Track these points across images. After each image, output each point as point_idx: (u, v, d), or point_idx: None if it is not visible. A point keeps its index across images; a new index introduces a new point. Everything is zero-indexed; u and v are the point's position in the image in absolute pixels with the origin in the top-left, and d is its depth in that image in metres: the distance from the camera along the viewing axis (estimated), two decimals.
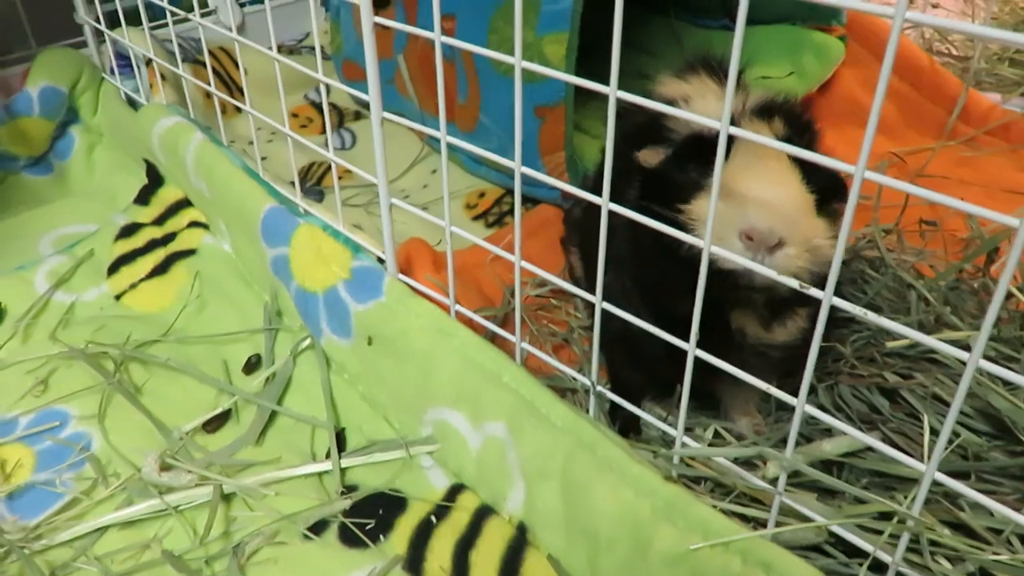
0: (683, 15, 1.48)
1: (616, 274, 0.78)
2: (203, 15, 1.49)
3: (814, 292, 0.52)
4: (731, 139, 0.67)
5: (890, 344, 0.67)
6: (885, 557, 0.55)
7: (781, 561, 0.56)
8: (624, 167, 0.75)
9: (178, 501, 0.73)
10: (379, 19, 0.73)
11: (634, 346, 0.76)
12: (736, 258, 0.55)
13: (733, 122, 0.66)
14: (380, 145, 0.77)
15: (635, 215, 0.59)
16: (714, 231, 0.62)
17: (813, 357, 0.51)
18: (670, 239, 0.57)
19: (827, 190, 0.66)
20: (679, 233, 0.57)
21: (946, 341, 0.48)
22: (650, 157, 0.70)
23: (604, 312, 0.66)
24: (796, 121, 0.68)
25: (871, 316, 0.50)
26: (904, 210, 0.89)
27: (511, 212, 1.19)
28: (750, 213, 0.60)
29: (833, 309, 0.50)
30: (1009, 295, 0.75)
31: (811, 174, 0.64)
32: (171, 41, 1.05)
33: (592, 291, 0.67)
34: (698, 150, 0.66)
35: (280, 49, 1.59)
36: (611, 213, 0.61)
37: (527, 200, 1.18)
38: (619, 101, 0.55)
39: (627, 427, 0.85)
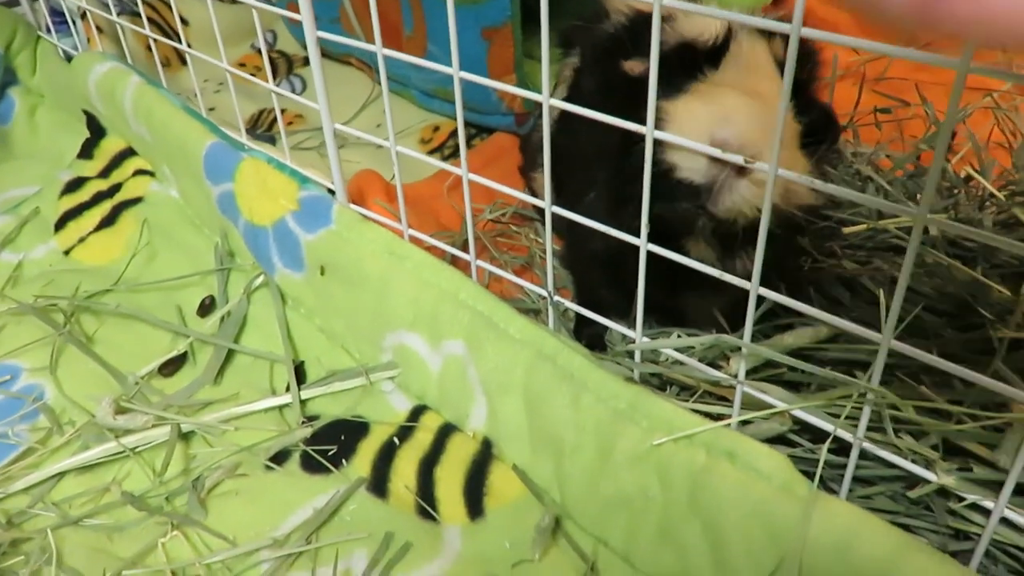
0: None
1: (587, 187, 0.74)
2: None
3: (759, 166, 0.50)
4: (725, 49, 0.64)
5: (847, 230, 0.66)
6: (846, 435, 0.55)
7: (745, 448, 0.55)
8: (602, 79, 0.73)
9: (135, 443, 0.71)
10: None
11: (614, 266, 0.74)
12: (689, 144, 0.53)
13: (730, 36, 0.62)
14: (317, 65, 0.75)
15: (592, 114, 0.55)
16: (687, 133, 0.59)
17: (762, 240, 0.49)
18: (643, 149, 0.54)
19: (816, 127, 0.63)
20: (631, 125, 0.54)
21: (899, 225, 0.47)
22: (636, 67, 0.68)
23: (581, 233, 0.63)
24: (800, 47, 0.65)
25: (818, 184, 0.48)
26: (857, 104, 0.88)
27: (468, 144, 1.16)
28: (728, 120, 0.56)
29: (792, 234, 0.46)
30: (968, 178, 0.75)
31: (803, 106, 0.61)
32: None
33: (566, 207, 0.64)
34: (686, 58, 0.63)
35: None
36: (590, 132, 0.57)
37: (482, 130, 1.16)
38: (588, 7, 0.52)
39: (592, 345, 0.84)
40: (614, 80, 0.66)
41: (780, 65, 0.62)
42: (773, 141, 0.48)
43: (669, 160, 0.59)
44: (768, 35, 0.64)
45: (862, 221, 0.66)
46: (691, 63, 0.61)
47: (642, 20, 0.70)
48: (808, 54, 0.66)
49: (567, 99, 0.90)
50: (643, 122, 0.53)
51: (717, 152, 0.52)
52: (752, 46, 0.62)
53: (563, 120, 0.79)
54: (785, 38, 0.62)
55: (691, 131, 0.58)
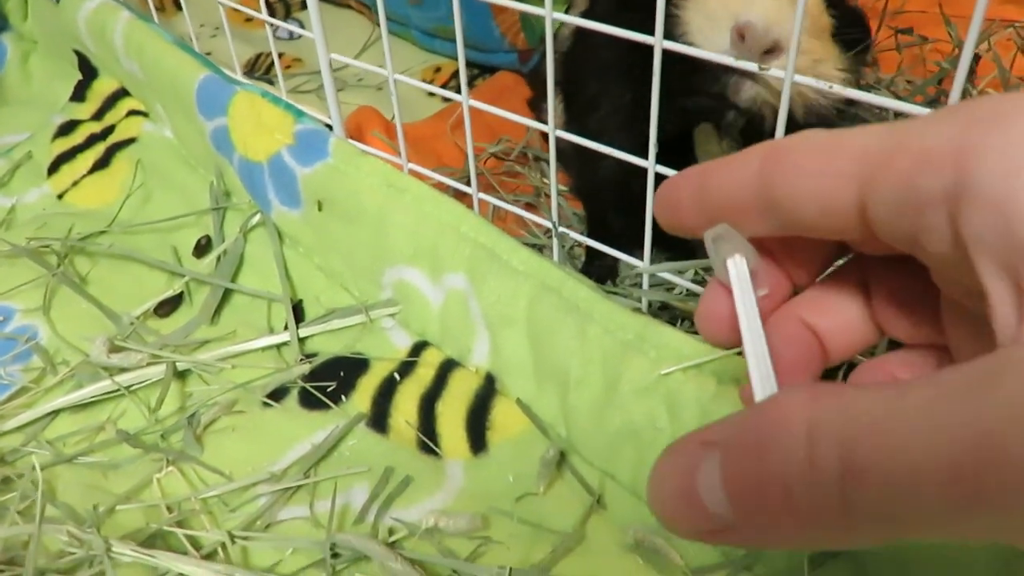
0: None
1: (610, 105, 0.71)
2: None
3: (774, 72, 0.47)
4: None
5: None
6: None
7: None
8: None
9: (130, 381, 0.69)
10: None
11: (626, 189, 0.71)
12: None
13: None
14: None
15: (602, 27, 0.52)
16: (705, 24, 0.55)
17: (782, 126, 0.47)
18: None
19: (848, 21, 0.60)
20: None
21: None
22: None
23: (590, 159, 0.60)
24: None
25: (836, 88, 0.45)
26: (880, 27, 0.84)
27: (470, 84, 1.13)
28: (750, 6, 0.53)
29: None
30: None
31: (839, 10, 0.58)
32: None
33: (576, 130, 0.61)
34: None
35: None
36: (600, 49, 0.54)
37: (484, 69, 1.12)
38: None
39: (603, 278, 0.81)
40: None
41: None
42: (802, 28, 0.45)
43: (691, 39, 0.56)
44: None
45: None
46: None
47: None
48: None
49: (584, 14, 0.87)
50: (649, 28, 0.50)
51: (740, 47, 0.49)
52: None
53: (577, 37, 0.76)
54: None
55: (710, 22, 0.55)
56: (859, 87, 0.80)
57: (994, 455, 0.20)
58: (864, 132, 0.28)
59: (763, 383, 0.33)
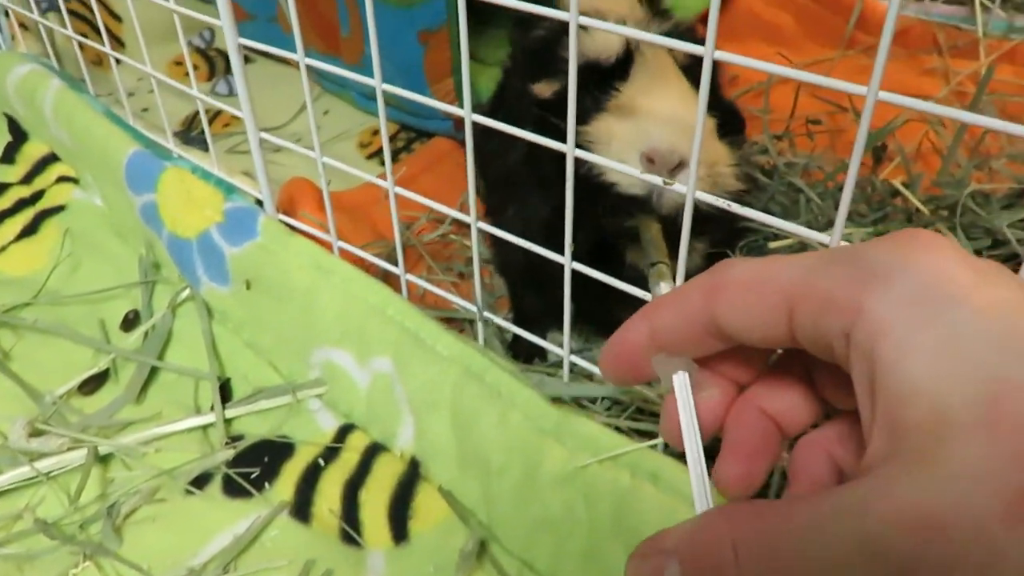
0: None
1: (519, 203, 0.75)
2: None
3: (677, 187, 0.50)
4: (630, 61, 0.65)
5: (772, 245, 0.66)
6: None
7: (668, 470, 0.55)
8: (519, 95, 0.72)
9: (50, 467, 0.68)
10: None
11: (537, 273, 0.74)
12: (627, 169, 0.52)
13: (631, 48, 0.62)
14: (240, 74, 0.73)
15: (519, 132, 0.55)
16: (615, 153, 0.59)
17: (685, 239, 0.49)
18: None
19: (727, 118, 0.64)
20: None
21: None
22: (544, 90, 0.68)
23: (506, 243, 0.63)
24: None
25: (735, 207, 0.48)
26: (792, 115, 0.88)
27: (407, 148, 1.14)
28: (652, 133, 0.58)
29: (734, 220, 0.47)
30: (895, 192, 0.75)
31: (711, 102, 0.62)
32: None
33: (493, 217, 0.64)
34: (594, 77, 0.63)
35: None
36: (508, 142, 0.57)
37: (421, 134, 1.14)
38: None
39: (532, 355, 0.83)
40: (525, 98, 0.67)
41: (683, 68, 0.63)
42: (694, 139, 0.49)
43: (607, 179, 0.60)
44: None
45: (788, 235, 0.66)
46: (600, 81, 0.62)
47: (546, 41, 0.70)
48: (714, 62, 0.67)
49: (489, 108, 0.89)
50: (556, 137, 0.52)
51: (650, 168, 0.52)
52: (655, 53, 0.63)
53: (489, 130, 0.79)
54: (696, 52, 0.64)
55: (618, 150, 0.58)
56: (764, 171, 0.83)
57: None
58: (784, 268, 0.34)
59: (698, 485, 0.39)
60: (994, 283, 0.29)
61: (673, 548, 0.33)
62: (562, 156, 0.52)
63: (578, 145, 0.52)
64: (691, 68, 0.62)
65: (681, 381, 0.40)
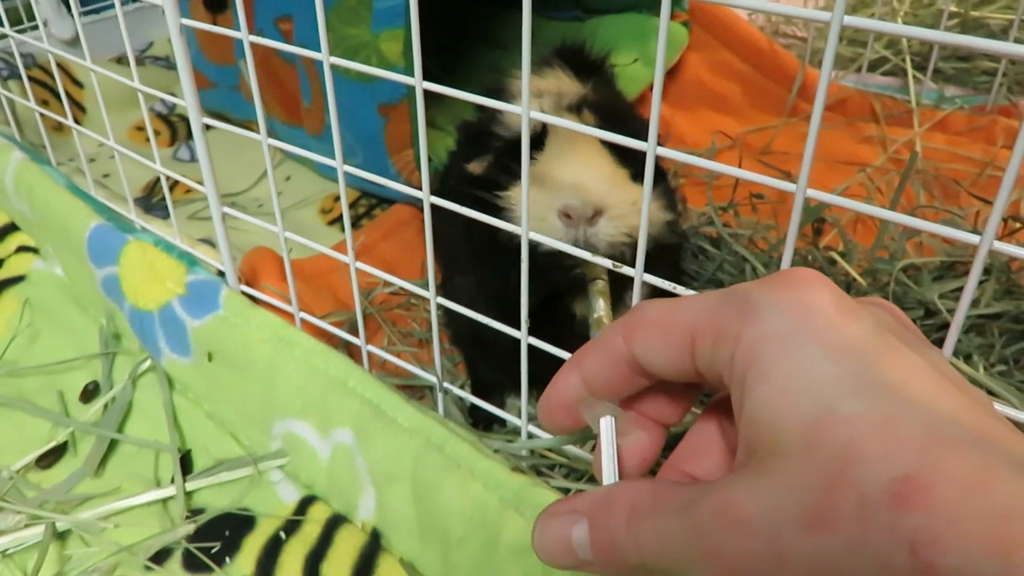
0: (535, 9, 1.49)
1: (464, 274, 0.78)
2: (33, 28, 1.41)
3: (626, 270, 0.53)
4: (546, 132, 0.69)
5: None
6: None
7: None
8: (458, 175, 0.76)
9: (6, 545, 0.68)
10: (187, 21, 0.70)
11: (487, 344, 0.76)
12: (551, 241, 0.55)
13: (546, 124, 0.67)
14: (204, 151, 0.75)
15: (447, 203, 0.58)
16: (535, 215, 0.63)
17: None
18: (504, 236, 0.58)
19: (641, 164, 0.68)
20: (498, 221, 0.57)
21: None
22: (476, 168, 0.72)
23: (457, 315, 0.65)
24: (607, 112, 0.70)
25: (679, 289, 0.51)
26: (736, 187, 0.92)
27: (367, 215, 1.17)
28: (564, 192, 0.62)
29: (677, 259, 0.50)
30: (834, 261, 0.79)
31: (627, 158, 0.67)
32: None
33: (445, 287, 0.66)
34: (515, 150, 0.67)
35: (120, 61, 1.52)
36: (454, 217, 0.60)
37: (382, 201, 1.17)
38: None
39: (491, 422, 0.85)
40: (464, 178, 0.71)
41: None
42: (609, 188, 0.59)
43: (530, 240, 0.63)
44: (577, 111, 0.71)
45: None
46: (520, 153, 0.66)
47: (478, 125, 0.76)
48: (620, 115, 0.75)
49: (439, 186, 0.94)
50: (489, 214, 0.58)
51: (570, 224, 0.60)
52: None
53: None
54: (593, 109, 0.70)
55: (536, 212, 0.62)
56: (711, 240, 0.87)
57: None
58: (687, 306, 0.37)
59: None
60: (855, 322, 0.33)
61: (583, 510, 0.37)
62: (492, 228, 0.57)
63: (500, 210, 0.55)
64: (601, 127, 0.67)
65: (607, 424, 0.43)
